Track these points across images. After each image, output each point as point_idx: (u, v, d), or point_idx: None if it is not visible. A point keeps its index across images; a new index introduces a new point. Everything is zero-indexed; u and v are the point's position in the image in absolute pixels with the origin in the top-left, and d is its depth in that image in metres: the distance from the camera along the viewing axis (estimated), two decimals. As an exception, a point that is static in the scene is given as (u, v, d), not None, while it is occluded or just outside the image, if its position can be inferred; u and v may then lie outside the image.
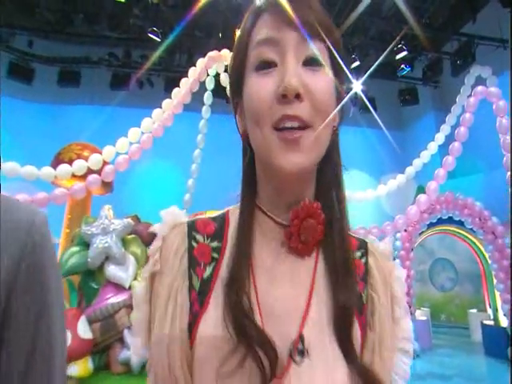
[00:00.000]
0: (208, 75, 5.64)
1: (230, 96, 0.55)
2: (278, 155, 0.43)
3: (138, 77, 8.33)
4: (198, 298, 0.46)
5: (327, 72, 0.46)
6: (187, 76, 5.42)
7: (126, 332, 3.79)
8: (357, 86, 8.75)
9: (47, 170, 4.24)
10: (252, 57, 0.46)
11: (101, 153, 4.71)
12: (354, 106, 9.27)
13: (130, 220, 4.31)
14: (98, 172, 4.48)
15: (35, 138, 6.96)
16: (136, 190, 6.95)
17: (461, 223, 5.96)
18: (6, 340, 0.42)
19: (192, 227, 0.51)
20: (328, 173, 0.51)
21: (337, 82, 0.48)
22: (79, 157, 4.90)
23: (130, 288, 3.92)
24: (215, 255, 0.49)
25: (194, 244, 0.49)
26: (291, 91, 0.41)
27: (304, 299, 0.46)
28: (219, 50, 5.57)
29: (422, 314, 5.86)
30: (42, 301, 0.46)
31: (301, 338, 0.43)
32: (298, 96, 0.42)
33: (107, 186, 5.00)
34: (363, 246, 0.54)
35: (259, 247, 0.49)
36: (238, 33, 0.51)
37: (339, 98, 0.51)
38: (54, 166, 4.45)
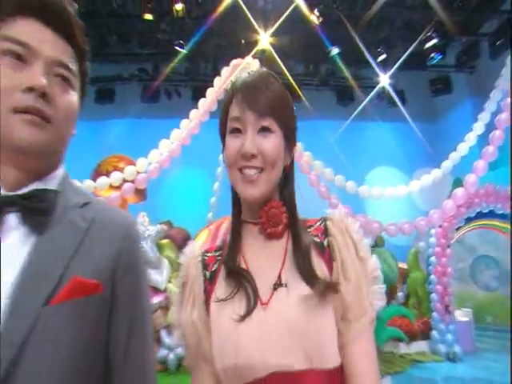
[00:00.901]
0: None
1: (220, 137, 0.76)
2: (242, 190, 0.68)
3: (166, 89, 8.69)
4: (209, 282, 0.71)
5: (276, 136, 0.68)
6: (213, 85, 5.60)
7: (162, 332, 4.01)
8: (384, 79, 8.54)
9: (88, 183, 4.61)
10: (228, 125, 0.70)
11: (134, 164, 5.03)
12: (381, 101, 9.04)
13: (163, 226, 4.56)
14: (132, 181, 4.78)
15: (76, 152, 7.49)
16: (168, 197, 7.25)
17: (504, 217, 5.60)
18: (115, 307, 0.59)
19: (204, 253, 0.78)
20: (287, 187, 0.75)
21: (284, 140, 0.71)
22: (115, 168, 5.24)
23: (165, 290, 4.14)
24: (218, 258, 0.75)
25: (205, 257, 0.76)
26: (247, 154, 0.65)
27: (280, 263, 0.68)
28: (243, 58, 5.70)
29: (463, 315, 5.55)
30: (136, 281, 0.63)
31: (279, 277, 0.66)
32: (253, 155, 0.65)
33: (141, 194, 5.31)
34: (323, 218, 0.76)
35: (247, 245, 0.73)
36: (222, 105, 0.75)
37: (290, 147, 0.74)
38: (94, 177, 4.81)
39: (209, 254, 0.75)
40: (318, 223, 0.73)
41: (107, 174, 4.90)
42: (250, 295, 0.62)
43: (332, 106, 9.51)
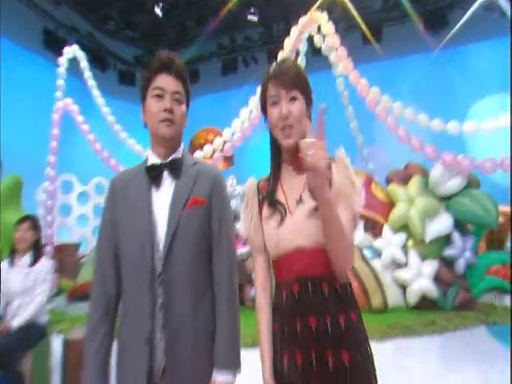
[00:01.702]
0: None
1: (261, 110, 1.07)
2: (283, 141, 1.00)
3: (243, 57, 9.05)
4: (261, 202, 1.07)
5: (299, 101, 0.99)
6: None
7: (253, 275, 4.70)
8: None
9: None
10: (268, 100, 1.01)
11: (221, 134, 5.72)
12: (491, 12, 7.55)
13: (250, 185, 5.20)
14: (221, 151, 5.49)
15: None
16: (252, 160, 7.84)
17: None
18: (212, 213, 1.07)
19: (259, 182, 1.13)
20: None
21: (305, 104, 1.01)
22: (206, 141, 6.05)
23: None
24: (267, 186, 1.09)
25: (259, 185, 1.11)
26: (284, 116, 0.97)
27: (302, 188, 1.00)
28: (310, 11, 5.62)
29: None
30: (222, 201, 1.10)
31: (300, 197, 0.98)
32: (287, 117, 0.97)
33: (229, 160, 6.05)
34: (331, 157, 1.01)
35: (284, 178, 1.07)
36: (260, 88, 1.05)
37: (309, 108, 1.03)
38: (191, 151, 5.68)
39: (261, 183, 1.10)
40: (328, 160, 0.99)
41: (200, 147, 5.70)
42: (282, 213, 0.99)
43: (418, 37, 8.40)
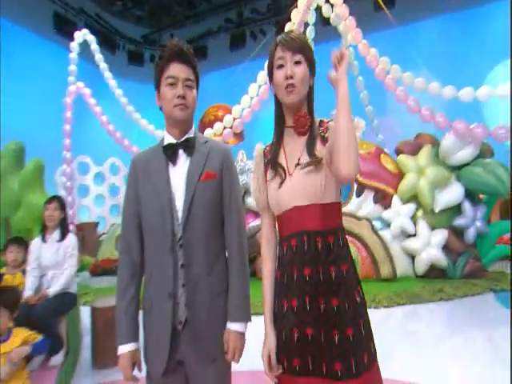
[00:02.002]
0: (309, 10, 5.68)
1: (268, 78, 1.15)
2: (285, 98, 1.07)
3: (251, 31, 8.85)
4: (265, 165, 1.15)
5: (303, 65, 1.06)
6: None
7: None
8: None
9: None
10: (275, 63, 1.08)
11: (230, 111, 5.75)
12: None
13: (260, 161, 5.27)
14: (231, 127, 5.55)
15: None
16: (262, 135, 7.80)
17: None
18: (222, 185, 1.21)
19: (265, 147, 1.21)
20: (309, 103, 1.14)
21: (308, 68, 1.08)
22: (216, 117, 6.10)
23: None
24: (271, 151, 1.17)
25: (265, 150, 1.19)
26: (288, 76, 1.04)
27: (302, 150, 1.09)
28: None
29: None
30: (231, 175, 1.23)
31: (299, 159, 1.07)
32: (291, 77, 1.04)
33: (239, 136, 6.10)
34: (331, 120, 1.11)
35: (286, 140, 1.15)
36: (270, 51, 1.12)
37: (312, 75, 1.11)
38: (201, 128, 5.78)
39: (267, 148, 1.18)
40: (327, 124, 1.10)
41: (210, 124, 5.76)
42: (282, 175, 1.08)
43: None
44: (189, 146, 1.20)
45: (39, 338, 1.93)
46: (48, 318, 2.43)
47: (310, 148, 1.07)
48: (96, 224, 7.57)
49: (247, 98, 5.72)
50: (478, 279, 4.51)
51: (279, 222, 1.13)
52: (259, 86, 5.75)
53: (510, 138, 4.39)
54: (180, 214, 1.14)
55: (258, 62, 5.67)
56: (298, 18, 5.59)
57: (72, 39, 6.47)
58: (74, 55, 6.35)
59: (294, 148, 1.11)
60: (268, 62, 1.11)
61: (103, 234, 7.56)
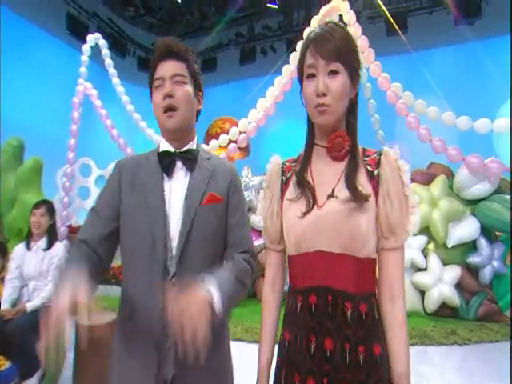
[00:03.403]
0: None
1: (298, 80, 0.93)
2: (317, 119, 0.86)
3: (261, 47, 8.88)
4: (284, 184, 0.94)
5: (342, 75, 0.83)
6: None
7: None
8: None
9: (203, 146, 5.46)
10: (304, 71, 0.86)
11: (237, 124, 5.62)
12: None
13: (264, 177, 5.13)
14: (236, 141, 5.40)
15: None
16: (268, 151, 7.65)
17: None
18: (229, 204, 1.02)
19: (284, 162, 1.00)
20: (350, 120, 0.90)
21: (349, 79, 0.85)
22: (222, 130, 5.97)
23: None
24: (292, 167, 0.95)
25: (284, 166, 0.97)
26: (320, 93, 0.82)
27: (337, 180, 0.86)
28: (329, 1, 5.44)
29: None
30: (238, 198, 1.05)
31: (333, 190, 0.84)
32: (323, 94, 0.82)
33: (245, 150, 5.95)
34: (379, 151, 0.90)
35: (315, 163, 0.92)
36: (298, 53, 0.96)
37: (354, 83, 0.87)
38: (206, 140, 5.64)
39: (287, 164, 0.96)
40: (374, 155, 0.87)
41: (216, 136, 5.64)
42: (310, 200, 0.84)
43: (449, 27, 8.02)
44: (189, 158, 1.00)
45: (6, 365, 1.69)
46: (23, 335, 2.20)
47: (351, 178, 0.82)
48: (94, 228, 7.33)
49: (255, 113, 5.61)
50: (495, 324, 4.21)
51: (293, 266, 0.88)
52: (267, 102, 5.64)
53: None
54: (175, 243, 0.92)
55: (271, 77, 5.61)
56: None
57: (83, 41, 6.43)
58: (85, 58, 6.29)
59: (325, 174, 0.87)
60: (298, 62, 0.89)
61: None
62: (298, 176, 0.88)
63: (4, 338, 2.06)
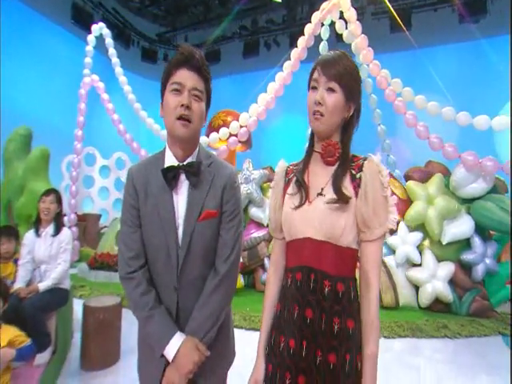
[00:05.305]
0: (323, 25, 5.66)
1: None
2: (312, 125, 1.00)
3: (265, 40, 8.87)
4: (286, 184, 1.10)
5: (338, 94, 0.98)
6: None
7: (266, 260, 4.76)
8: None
9: (203, 139, 5.52)
10: (310, 84, 1.02)
11: (239, 117, 5.67)
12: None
13: (265, 170, 5.20)
14: (237, 135, 5.46)
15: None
16: (270, 145, 7.80)
17: None
18: (224, 210, 1.09)
19: (288, 166, 1.16)
20: (346, 133, 1.04)
21: (344, 99, 0.99)
22: (224, 123, 6.02)
23: (267, 225, 4.77)
24: (294, 170, 1.11)
25: (288, 169, 1.14)
26: (317, 101, 0.97)
27: (327, 181, 1.01)
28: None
29: None
30: (236, 202, 1.11)
31: (322, 189, 0.99)
32: (319, 103, 0.97)
33: (247, 143, 6.02)
34: (364, 157, 1.02)
35: (312, 166, 1.07)
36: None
37: (352, 103, 1.01)
38: (208, 132, 5.68)
39: (290, 167, 1.14)
40: (360, 161, 1.01)
41: (218, 129, 5.68)
42: (303, 196, 1.00)
43: (453, 25, 8.02)
44: (192, 171, 1.05)
45: (27, 342, 1.81)
46: (37, 315, 2.36)
47: (336, 182, 0.97)
48: (99, 216, 7.49)
49: (256, 107, 5.66)
50: (486, 319, 4.34)
51: (288, 249, 1.05)
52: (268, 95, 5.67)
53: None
54: (182, 252, 1.05)
55: (274, 70, 5.64)
56: (310, 32, 5.55)
57: (88, 31, 6.46)
58: (90, 48, 6.34)
59: (318, 175, 1.03)
60: (309, 77, 1.05)
61: (105, 227, 7.47)
62: (297, 176, 1.05)
63: (20, 315, 2.21)
